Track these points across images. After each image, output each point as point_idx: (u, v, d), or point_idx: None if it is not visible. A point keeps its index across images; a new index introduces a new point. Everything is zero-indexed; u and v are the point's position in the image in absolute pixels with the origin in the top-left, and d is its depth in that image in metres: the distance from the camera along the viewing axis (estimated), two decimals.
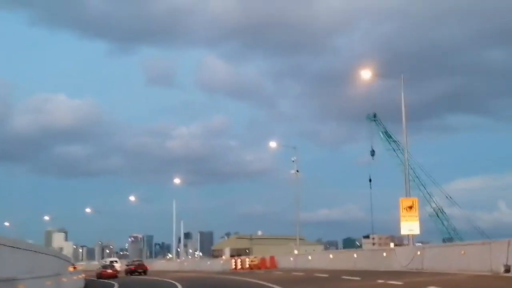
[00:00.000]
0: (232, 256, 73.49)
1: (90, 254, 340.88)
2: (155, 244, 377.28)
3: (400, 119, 38.58)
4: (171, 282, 36.30)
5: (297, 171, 57.59)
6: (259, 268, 55.60)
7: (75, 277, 32.41)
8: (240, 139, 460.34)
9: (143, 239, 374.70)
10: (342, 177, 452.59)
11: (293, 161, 57.92)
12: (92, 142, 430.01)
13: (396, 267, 34.15)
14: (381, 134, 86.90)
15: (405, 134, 38.17)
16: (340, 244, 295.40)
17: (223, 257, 79.47)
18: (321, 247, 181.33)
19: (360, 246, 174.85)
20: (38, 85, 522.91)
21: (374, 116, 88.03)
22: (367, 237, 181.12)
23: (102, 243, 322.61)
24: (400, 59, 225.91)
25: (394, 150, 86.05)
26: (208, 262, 71.75)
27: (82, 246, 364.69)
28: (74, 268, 48.12)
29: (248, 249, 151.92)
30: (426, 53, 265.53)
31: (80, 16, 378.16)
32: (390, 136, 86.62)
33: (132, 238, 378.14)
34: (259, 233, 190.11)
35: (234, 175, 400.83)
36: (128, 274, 63.94)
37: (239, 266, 58.99)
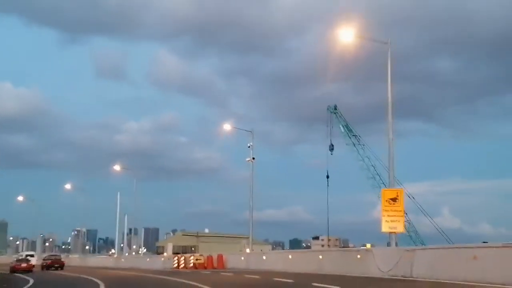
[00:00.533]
0: (175, 253, 64.75)
1: (32, 247, 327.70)
2: (99, 239, 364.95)
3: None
4: (92, 280, 31.64)
5: (253, 158, 49.83)
6: (205, 268, 47.87)
7: None
8: (190, 136, 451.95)
9: (86, 233, 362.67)
10: (291, 178, 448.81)
11: (249, 146, 50.03)
12: (37, 133, 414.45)
13: (374, 272, 26.78)
14: (342, 128, 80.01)
15: (391, 114, 30.56)
16: (287, 245, 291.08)
17: (165, 254, 70.78)
18: (269, 247, 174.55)
19: (309, 248, 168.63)
20: None
21: (335, 108, 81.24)
22: (316, 238, 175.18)
23: (43, 235, 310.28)
24: (351, 63, 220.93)
25: (355, 145, 79.45)
26: (148, 259, 62.97)
27: (22, 239, 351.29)
28: None
29: (194, 246, 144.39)
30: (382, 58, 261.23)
31: (29, 2, 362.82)
32: (351, 130, 79.96)
33: (76, 232, 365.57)
34: (206, 230, 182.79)
35: (183, 172, 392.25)
36: (44, 269, 61.61)
37: (182, 265, 50.84)
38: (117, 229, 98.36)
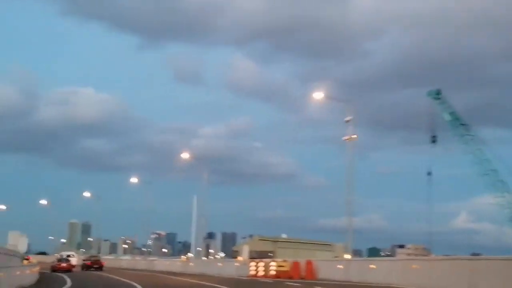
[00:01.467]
0: (252, 258, 52.69)
1: (113, 249, 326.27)
2: (178, 242, 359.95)
3: None
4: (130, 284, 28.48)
5: (354, 136, 37.22)
6: (290, 277, 35.69)
7: (27, 271, 30.13)
8: (264, 141, 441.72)
9: (166, 237, 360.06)
10: (366, 185, 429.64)
11: (347, 121, 37.59)
12: (117, 137, 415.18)
13: None
14: (447, 116, 65.72)
15: None
16: (365, 254, 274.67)
17: (239, 258, 59.12)
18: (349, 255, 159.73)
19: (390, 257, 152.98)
20: (65, 78, 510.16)
21: (437, 93, 67.12)
22: (401, 246, 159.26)
23: (125, 238, 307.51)
24: (430, 67, 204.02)
25: (463, 136, 65.07)
26: (219, 264, 51.48)
27: (105, 240, 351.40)
28: (27, 259, 48.86)
29: (271, 252, 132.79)
30: (458, 63, 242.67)
31: (109, 8, 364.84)
32: (458, 118, 65.58)
33: (155, 235, 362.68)
34: (284, 236, 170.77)
35: (258, 177, 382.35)
36: (84, 269, 61.80)
37: (261, 272, 38.96)
38: (193, 233, 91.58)
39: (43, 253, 68.86)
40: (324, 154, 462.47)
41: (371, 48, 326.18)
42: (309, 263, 36.82)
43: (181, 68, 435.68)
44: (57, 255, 75.31)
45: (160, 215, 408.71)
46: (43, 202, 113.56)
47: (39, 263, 49.15)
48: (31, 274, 31.79)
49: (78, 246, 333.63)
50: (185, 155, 64.84)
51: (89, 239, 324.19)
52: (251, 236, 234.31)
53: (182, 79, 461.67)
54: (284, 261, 39.35)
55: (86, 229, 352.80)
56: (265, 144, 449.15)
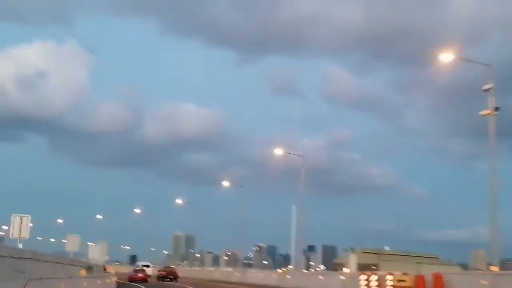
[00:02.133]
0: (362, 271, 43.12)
1: (215, 261, 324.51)
2: (279, 255, 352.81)
3: None
4: None
5: (496, 108, 27.47)
6: None
7: (107, 280, 30.35)
8: (362, 151, 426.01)
9: (267, 249, 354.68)
10: (469, 196, 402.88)
11: (487, 90, 27.97)
12: (218, 150, 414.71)
13: None
14: None
15: None
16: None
17: (344, 270, 49.80)
18: (457, 268, 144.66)
19: None
20: (168, 94, 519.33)
21: None
22: None
23: (227, 250, 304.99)
24: None
25: None
26: (321, 277, 42.26)
27: (208, 252, 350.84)
28: (105, 269, 48.86)
29: (374, 265, 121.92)
30: None
31: (208, 25, 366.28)
32: None
33: (257, 248, 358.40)
34: (387, 248, 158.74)
35: (356, 188, 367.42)
36: (160, 279, 61.32)
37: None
38: (293, 245, 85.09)
39: (147, 266, 65.20)
40: (425, 163, 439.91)
41: (473, 55, 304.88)
42: (437, 277, 27.42)
43: (278, 80, 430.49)
44: (134, 266, 75.07)
45: (262, 228, 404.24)
46: (138, 211, 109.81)
47: (116, 273, 48.91)
48: (110, 283, 31.53)
49: (182, 258, 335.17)
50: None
51: (190, 250, 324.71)
52: (352, 248, 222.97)
53: (280, 92, 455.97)
54: (405, 274, 29.99)
55: (190, 241, 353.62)
56: (364, 155, 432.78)
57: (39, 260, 19.64)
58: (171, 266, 77.24)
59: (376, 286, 29.98)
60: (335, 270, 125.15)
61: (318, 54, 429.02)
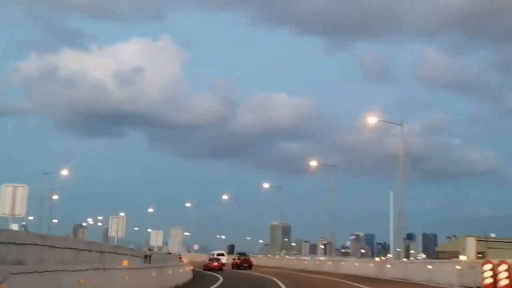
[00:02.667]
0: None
1: (313, 250, 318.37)
2: (377, 243, 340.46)
3: None
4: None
5: None
6: None
7: (187, 268, 31.67)
8: (462, 136, 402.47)
9: (364, 238, 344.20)
10: None
11: None
12: (310, 138, 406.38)
13: None
14: None
15: None
16: None
17: (461, 257, 41.79)
18: None
19: None
20: (260, 84, 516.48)
21: None
22: None
23: (324, 239, 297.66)
24: None
25: None
26: (429, 267, 34.61)
27: (305, 241, 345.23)
28: (180, 258, 54.84)
29: (480, 253, 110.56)
30: None
31: (297, 13, 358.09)
32: None
33: (354, 236, 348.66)
34: (493, 235, 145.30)
35: (455, 174, 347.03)
36: (234, 267, 61.64)
37: (504, 281, 22.55)
38: (391, 232, 78.30)
39: (221, 254, 63.42)
40: None
41: None
42: None
43: (370, 65, 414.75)
44: (209, 255, 74.21)
45: (359, 216, 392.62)
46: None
47: (191, 262, 48.27)
48: (185, 272, 31.15)
49: (280, 248, 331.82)
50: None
51: (285, 239, 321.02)
52: (454, 236, 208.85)
53: (372, 77, 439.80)
54: None
55: (286, 231, 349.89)
56: (463, 139, 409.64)
57: (49, 246, 14.41)
58: (245, 254, 74.35)
59: (507, 277, 22.51)
60: (437, 258, 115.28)
61: (411, 36, 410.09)
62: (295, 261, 70.43)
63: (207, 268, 54.28)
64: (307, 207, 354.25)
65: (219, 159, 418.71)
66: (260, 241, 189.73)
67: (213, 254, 68.96)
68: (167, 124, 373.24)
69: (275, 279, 33.56)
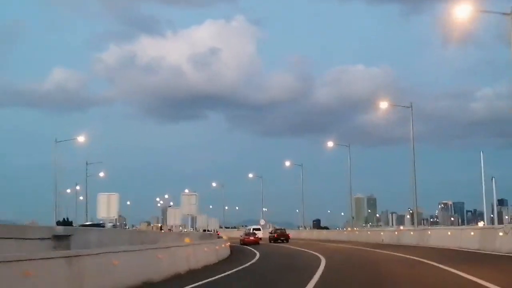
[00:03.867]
0: None
1: (399, 221, 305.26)
2: (467, 211, 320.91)
3: None
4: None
5: None
6: None
7: (223, 245, 30.47)
8: None
9: (453, 206, 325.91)
10: None
11: None
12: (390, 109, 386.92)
13: None
14: None
15: None
16: None
17: None
18: None
19: None
20: (334, 57, 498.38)
21: None
22: None
23: (411, 210, 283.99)
24: None
25: None
26: None
27: (392, 213, 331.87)
28: (218, 235, 55.52)
29: None
30: None
31: None
32: None
33: (442, 205, 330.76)
34: None
35: None
36: (272, 241, 60.49)
37: None
38: (484, 199, 71.30)
39: (258, 229, 68.75)
40: None
41: None
42: None
43: (449, 29, 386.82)
44: (245, 230, 75.14)
45: (446, 186, 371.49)
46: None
47: (229, 238, 47.77)
48: (225, 248, 31.10)
49: (365, 220, 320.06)
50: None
51: (368, 211, 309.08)
52: None
53: (452, 41, 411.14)
54: None
55: (371, 203, 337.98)
56: None
57: None
58: (282, 228, 74.17)
59: None
60: None
61: None
62: (368, 233, 60.33)
63: (244, 242, 54.17)
64: (393, 178, 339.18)
65: (299, 136, 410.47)
66: (342, 213, 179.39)
67: (249, 229, 69.31)
68: (245, 103, 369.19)
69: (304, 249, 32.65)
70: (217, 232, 60.48)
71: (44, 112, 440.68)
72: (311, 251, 32.88)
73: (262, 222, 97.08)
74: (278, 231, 66.03)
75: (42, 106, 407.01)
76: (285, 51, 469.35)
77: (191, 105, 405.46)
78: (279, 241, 58.97)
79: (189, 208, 37.76)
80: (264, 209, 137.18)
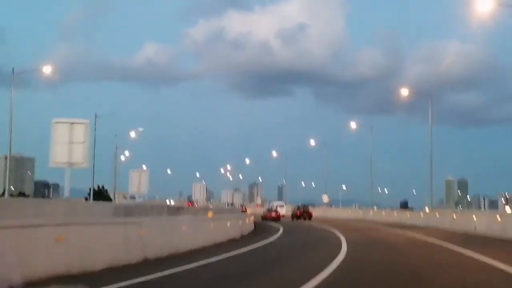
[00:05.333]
0: None
1: (493, 205, 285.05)
2: None
3: None
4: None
5: None
6: None
7: (246, 220, 29.69)
8: None
9: None
10: None
11: None
12: (485, 89, 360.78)
13: None
14: None
15: None
16: None
17: None
18: None
19: None
20: (426, 32, 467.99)
21: None
22: None
23: (505, 193, 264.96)
24: None
25: None
26: None
27: (484, 197, 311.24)
28: (243, 211, 59.55)
29: None
30: None
31: None
32: None
33: None
34: None
35: None
36: (294, 218, 59.46)
37: None
38: None
39: (281, 206, 69.84)
40: None
41: None
42: None
43: None
44: (268, 206, 75.54)
45: None
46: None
47: (253, 213, 48.04)
48: (249, 223, 30.58)
49: (456, 204, 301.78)
50: None
51: (459, 194, 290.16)
52: None
53: None
54: None
55: (462, 186, 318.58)
56: None
57: None
58: (305, 205, 73.06)
59: None
60: None
61: None
62: (454, 217, 42.94)
63: (265, 218, 54.33)
64: (486, 161, 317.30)
65: (389, 115, 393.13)
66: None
67: (273, 206, 69.42)
68: (333, 80, 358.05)
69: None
70: (242, 206, 60.34)
71: (134, 87, 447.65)
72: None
73: (326, 199, 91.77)
74: (301, 208, 65.15)
75: (134, 80, 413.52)
76: (375, 25, 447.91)
77: (278, 81, 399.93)
78: (301, 218, 58.42)
79: (138, 186, 34.22)
80: (343, 186, 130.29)
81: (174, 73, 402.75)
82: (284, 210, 67.78)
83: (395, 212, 58.94)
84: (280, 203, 77.27)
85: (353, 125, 67.09)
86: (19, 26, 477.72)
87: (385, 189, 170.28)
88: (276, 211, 59.35)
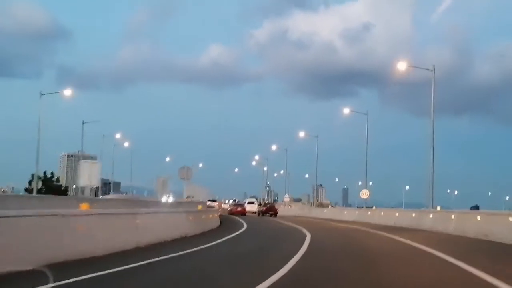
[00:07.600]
0: None
1: None
2: None
3: None
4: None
5: None
6: None
7: (210, 215, 28.28)
8: None
9: None
10: None
11: None
12: None
13: None
14: None
15: None
16: None
17: None
18: None
19: None
20: (499, 29, 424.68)
21: None
22: None
23: None
24: None
25: None
26: None
27: None
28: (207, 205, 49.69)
29: None
30: None
31: None
32: None
33: None
34: None
35: None
36: (260, 214, 59.93)
37: None
38: None
39: (252, 202, 70.28)
40: None
41: None
42: None
43: None
44: (233, 201, 79.00)
45: None
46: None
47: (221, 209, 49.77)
48: (214, 219, 29.31)
49: None
50: None
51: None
52: None
53: None
54: None
55: None
56: None
57: None
58: (271, 202, 74.32)
59: None
60: None
61: None
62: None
63: (231, 212, 55.35)
64: None
65: (458, 115, 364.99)
66: (507, 197, 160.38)
67: (245, 202, 71.07)
68: (398, 80, 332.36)
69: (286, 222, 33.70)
70: (213, 201, 62.28)
71: (199, 88, 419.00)
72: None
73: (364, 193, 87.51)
74: (267, 205, 67.66)
75: (198, 82, 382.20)
76: (442, 22, 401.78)
77: (342, 82, 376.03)
78: (267, 214, 58.41)
79: (88, 178, 33.01)
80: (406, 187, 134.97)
81: (237, 74, 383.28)
82: (256, 207, 67.46)
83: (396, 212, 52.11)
84: (252, 199, 76.38)
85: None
86: (86, 27, 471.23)
87: (455, 191, 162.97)
88: (242, 205, 62.11)
